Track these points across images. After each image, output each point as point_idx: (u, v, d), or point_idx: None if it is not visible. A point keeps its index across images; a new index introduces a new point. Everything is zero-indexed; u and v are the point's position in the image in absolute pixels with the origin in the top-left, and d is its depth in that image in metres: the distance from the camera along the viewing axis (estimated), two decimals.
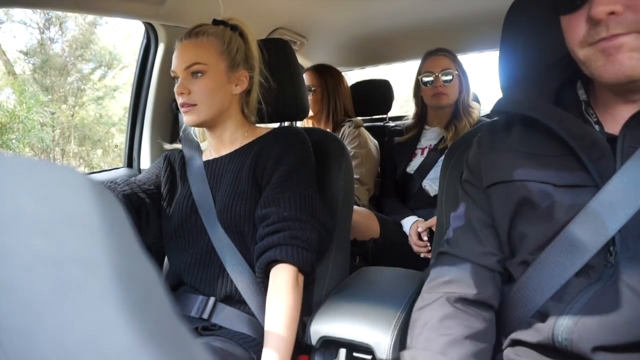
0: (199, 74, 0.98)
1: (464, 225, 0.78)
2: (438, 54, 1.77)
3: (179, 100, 1.00)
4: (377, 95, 2.22)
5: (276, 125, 1.43)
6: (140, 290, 0.15)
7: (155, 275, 0.17)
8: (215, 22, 1.05)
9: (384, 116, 2.32)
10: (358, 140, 1.81)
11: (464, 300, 0.72)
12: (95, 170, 1.82)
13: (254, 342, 0.93)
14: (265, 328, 0.88)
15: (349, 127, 1.86)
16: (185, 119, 1.02)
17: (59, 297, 0.13)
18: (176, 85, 1.00)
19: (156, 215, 1.10)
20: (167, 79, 1.58)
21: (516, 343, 0.68)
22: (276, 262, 0.91)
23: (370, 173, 1.82)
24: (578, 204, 0.63)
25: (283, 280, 0.90)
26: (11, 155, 0.19)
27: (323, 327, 0.88)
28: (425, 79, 1.77)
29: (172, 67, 1.02)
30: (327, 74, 1.94)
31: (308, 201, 0.96)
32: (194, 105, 0.99)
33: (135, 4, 1.33)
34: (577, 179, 0.65)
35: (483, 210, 0.77)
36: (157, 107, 1.60)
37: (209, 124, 1.05)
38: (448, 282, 0.75)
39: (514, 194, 0.70)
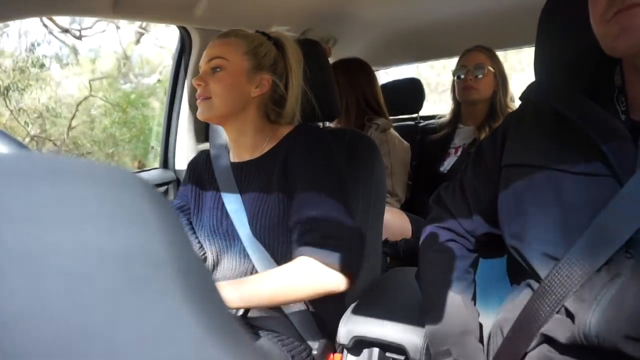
0: (218, 69, 0.98)
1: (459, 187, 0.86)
2: (475, 50, 1.75)
3: (197, 92, 1.00)
4: (407, 94, 2.20)
5: None
6: (198, 285, 0.16)
7: (208, 272, 0.18)
8: (257, 32, 1.06)
9: (415, 115, 2.30)
10: (386, 146, 1.68)
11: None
12: (134, 171, 1.87)
13: (289, 341, 0.94)
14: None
15: (375, 129, 1.71)
16: (198, 111, 1.01)
17: (131, 290, 0.14)
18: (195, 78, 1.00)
19: (194, 233, 1.09)
20: None
21: (548, 340, 0.67)
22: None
23: (400, 182, 1.73)
24: (599, 193, 0.63)
25: (300, 265, 0.85)
26: (71, 157, 0.20)
27: (356, 326, 0.88)
28: (458, 74, 1.75)
29: (199, 63, 1.03)
30: (341, 68, 1.75)
31: (339, 201, 0.92)
32: (209, 98, 0.98)
33: (169, 9, 1.37)
34: (596, 168, 0.64)
35: (480, 183, 0.81)
36: (191, 109, 1.63)
37: (222, 121, 1.03)
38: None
39: (532, 179, 0.70)
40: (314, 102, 1.09)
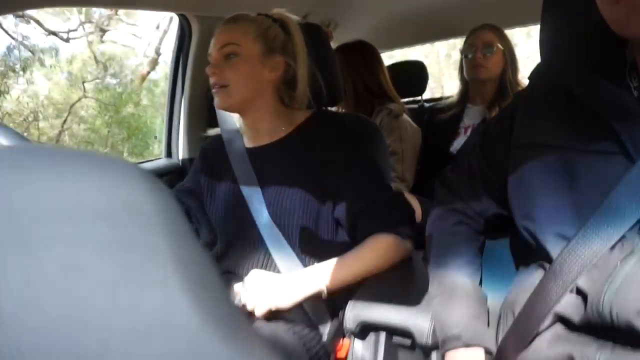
0: (232, 56, 0.97)
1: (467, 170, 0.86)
2: (483, 28, 1.72)
3: (211, 81, 0.99)
4: (410, 76, 2.17)
5: None
6: (197, 274, 0.16)
7: (210, 262, 0.18)
8: (259, 15, 1.05)
9: (418, 98, 2.28)
10: (398, 132, 1.64)
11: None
12: (139, 161, 1.87)
13: (300, 328, 0.95)
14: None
15: (387, 115, 1.66)
16: (216, 100, 1.00)
17: (128, 280, 0.14)
18: (208, 67, 0.99)
19: (205, 215, 1.11)
20: (201, 70, 1.60)
21: (561, 320, 0.67)
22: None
23: (411, 167, 1.70)
24: (611, 172, 0.62)
25: (378, 240, 0.95)
26: (70, 148, 0.20)
27: (362, 311, 0.88)
28: (466, 53, 1.73)
29: (209, 51, 1.01)
30: (338, 51, 1.66)
31: (384, 178, 1.02)
32: (225, 86, 0.97)
33: None
34: (608, 147, 0.63)
35: (489, 164, 0.80)
36: (192, 97, 1.63)
37: (240, 109, 1.03)
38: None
39: (543, 159, 0.69)
40: (321, 83, 1.09)
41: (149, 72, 7.46)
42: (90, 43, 6.79)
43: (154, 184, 0.19)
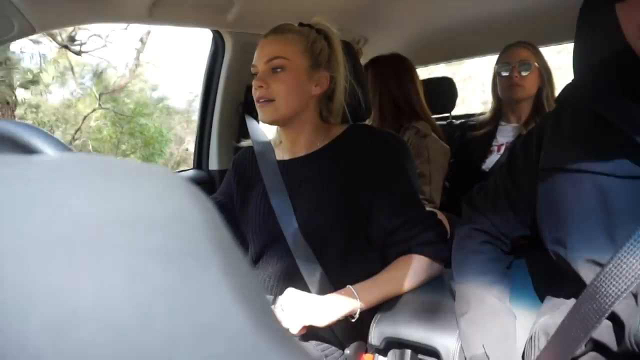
0: (279, 69, 0.96)
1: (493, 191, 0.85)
2: (518, 45, 1.68)
3: (256, 94, 0.98)
4: (439, 93, 2.16)
5: None
6: (244, 282, 0.17)
7: (253, 270, 0.19)
8: (301, 25, 1.05)
9: (447, 115, 2.27)
10: (425, 153, 1.60)
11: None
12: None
13: (324, 345, 0.94)
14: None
15: (415, 134, 1.62)
16: (261, 114, 1.00)
17: (184, 285, 0.15)
18: (254, 79, 0.99)
19: (234, 230, 1.10)
20: (234, 84, 1.64)
21: (598, 347, 0.65)
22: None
23: (438, 189, 1.66)
24: None
25: (412, 261, 0.94)
26: (115, 158, 0.21)
27: (388, 327, 0.88)
28: (502, 71, 1.69)
29: (253, 62, 1.00)
30: (378, 66, 1.69)
31: (418, 196, 1.02)
32: (272, 100, 0.96)
33: (202, 13, 1.39)
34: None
35: (515, 186, 0.79)
36: (224, 110, 1.66)
37: (284, 122, 1.02)
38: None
39: (574, 184, 0.68)
40: (359, 97, 1.09)
41: (126, 84, 7.66)
42: (66, 55, 6.91)
43: (198, 194, 0.20)
